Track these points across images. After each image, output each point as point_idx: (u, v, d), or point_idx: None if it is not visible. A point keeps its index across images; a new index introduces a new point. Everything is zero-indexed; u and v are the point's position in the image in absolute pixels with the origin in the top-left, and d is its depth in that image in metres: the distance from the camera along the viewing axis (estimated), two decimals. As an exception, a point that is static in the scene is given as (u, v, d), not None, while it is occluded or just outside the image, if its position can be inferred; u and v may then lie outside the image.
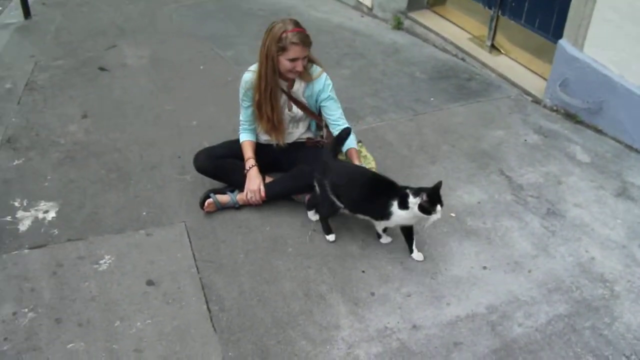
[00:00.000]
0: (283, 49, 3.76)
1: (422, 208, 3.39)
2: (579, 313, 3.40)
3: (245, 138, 4.17)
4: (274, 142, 4.14)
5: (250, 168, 4.05)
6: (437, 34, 6.52)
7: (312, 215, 3.99)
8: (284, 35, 3.73)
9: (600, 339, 3.25)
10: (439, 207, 3.42)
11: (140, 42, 6.75)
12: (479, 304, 3.41)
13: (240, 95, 4.09)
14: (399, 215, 3.52)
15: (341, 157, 4.00)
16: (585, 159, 4.69)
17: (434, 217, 3.43)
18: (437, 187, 3.43)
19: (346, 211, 3.71)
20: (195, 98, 5.50)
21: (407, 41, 6.62)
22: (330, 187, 3.65)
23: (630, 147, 4.82)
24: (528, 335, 3.25)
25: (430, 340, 3.20)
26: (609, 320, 3.36)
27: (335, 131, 3.97)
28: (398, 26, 6.86)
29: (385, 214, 3.55)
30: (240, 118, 4.17)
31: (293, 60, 3.78)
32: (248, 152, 4.12)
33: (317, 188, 3.76)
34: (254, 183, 4.02)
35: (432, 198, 3.40)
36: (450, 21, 6.70)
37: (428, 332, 3.24)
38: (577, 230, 3.98)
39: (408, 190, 3.48)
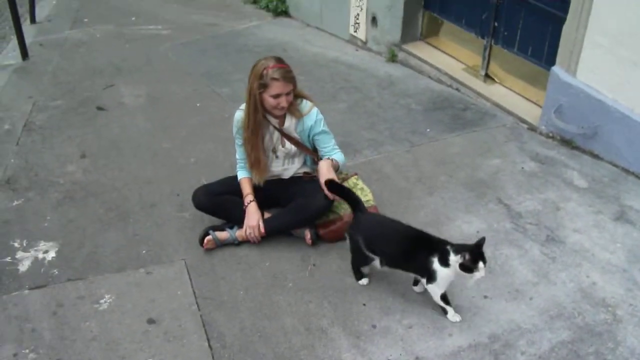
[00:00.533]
0: (265, 86, 3.78)
1: (463, 267, 3.25)
2: (582, 339, 3.39)
3: (243, 175, 4.18)
4: (255, 181, 4.15)
5: (248, 204, 4.06)
6: (431, 65, 6.55)
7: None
8: (265, 72, 3.76)
9: (604, 364, 3.25)
10: (481, 264, 3.24)
11: (137, 80, 6.79)
12: (481, 333, 3.41)
13: (234, 134, 4.13)
14: (444, 273, 3.33)
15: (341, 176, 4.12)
16: (582, 184, 4.70)
17: (477, 275, 3.26)
18: (480, 243, 3.28)
19: (385, 267, 3.61)
20: (193, 135, 5.52)
21: (401, 73, 6.65)
22: (363, 241, 3.57)
23: (627, 171, 4.83)
24: (531, 364, 3.25)
25: (434, 372, 3.20)
26: (613, 345, 3.36)
27: (327, 154, 4.04)
28: (392, 59, 6.89)
29: (428, 272, 3.38)
30: (237, 156, 4.19)
31: (276, 96, 3.79)
32: (246, 189, 4.13)
33: (348, 241, 3.71)
34: (253, 219, 4.03)
35: (474, 256, 3.25)
36: (444, 52, 6.73)
37: (432, 365, 3.24)
38: (577, 256, 3.98)
39: (449, 247, 3.33)
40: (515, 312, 3.55)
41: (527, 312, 3.55)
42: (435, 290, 3.39)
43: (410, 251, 3.46)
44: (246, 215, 4.06)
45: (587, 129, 5.01)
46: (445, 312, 3.47)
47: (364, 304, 3.59)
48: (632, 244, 4.08)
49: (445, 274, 3.29)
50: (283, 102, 3.82)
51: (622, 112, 4.72)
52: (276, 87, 3.77)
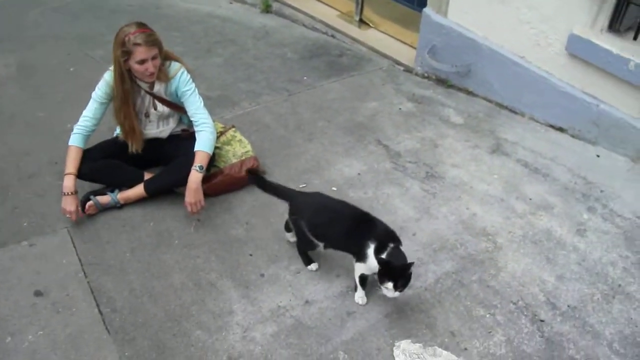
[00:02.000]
0: (128, 53, 3.68)
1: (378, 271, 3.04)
2: (465, 268, 3.53)
3: (75, 143, 3.98)
4: (131, 148, 4.04)
5: (68, 193, 3.89)
6: (305, 13, 6.57)
7: (291, 237, 3.70)
8: (126, 38, 3.65)
9: (487, 290, 3.39)
10: (389, 284, 2.98)
11: (5, 49, 6.52)
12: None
13: (98, 91, 3.95)
14: (373, 263, 3.09)
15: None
16: (459, 120, 4.84)
17: (384, 290, 3.04)
18: (403, 266, 2.99)
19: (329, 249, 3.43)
20: (68, 101, 5.37)
21: (276, 23, 6.64)
22: (306, 226, 3.35)
23: (500, 105, 5.00)
24: (418, 296, 3.36)
25: (323, 313, 3.26)
26: (495, 271, 3.51)
27: (195, 125, 3.94)
28: (267, 9, 6.86)
29: (361, 253, 3.18)
30: (84, 113, 4.00)
31: (141, 62, 3.70)
32: (71, 164, 3.94)
33: (292, 226, 3.52)
34: (71, 205, 3.88)
35: (385, 272, 3.00)
36: (318, 0, 6.74)
37: (321, 306, 3.29)
38: (456, 190, 4.11)
39: (389, 245, 3.10)
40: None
41: (411, 247, 3.63)
42: (359, 269, 3.26)
43: (352, 234, 3.24)
44: (64, 200, 3.90)
45: (460, 67, 5.14)
46: (355, 289, 3.38)
47: (251, 254, 3.61)
48: (508, 174, 4.23)
49: (375, 265, 3.05)
50: (150, 67, 3.72)
51: (493, 49, 4.86)
52: (140, 53, 3.67)
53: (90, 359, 3.08)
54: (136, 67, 3.71)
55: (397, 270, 2.97)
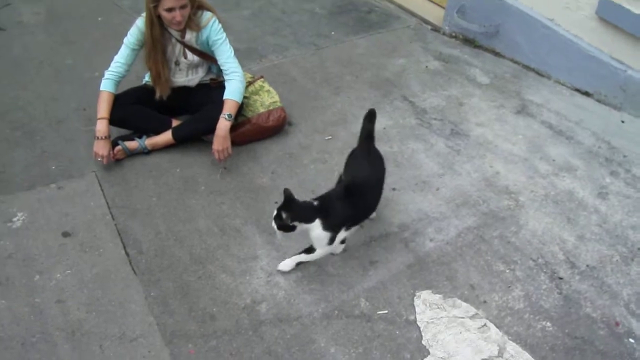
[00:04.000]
0: (157, 1, 3.70)
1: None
2: (486, 224, 3.55)
3: (106, 88, 4.03)
4: (158, 95, 4.08)
5: (100, 138, 3.96)
6: (334, -31, 6.54)
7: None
8: None
9: (508, 246, 3.41)
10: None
11: (35, -3, 6.58)
12: (391, 223, 3.53)
13: (129, 37, 3.98)
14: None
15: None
16: (485, 80, 4.83)
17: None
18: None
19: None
20: (96, 50, 5.41)
21: (304, -21, 6.62)
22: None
23: (527, 67, 4.98)
24: (440, 249, 3.39)
25: (346, 261, 3.30)
26: (516, 228, 3.53)
27: (224, 74, 3.97)
28: (295, -36, 6.84)
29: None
30: (116, 58, 4.05)
31: (169, 10, 3.71)
32: (103, 108, 4.00)
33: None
34: (104, 149, 3.96)
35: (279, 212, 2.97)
36: (347, -44, 6.72)
37: (344, 255, 3.33)
38: (480, 148, 4.12)
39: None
40: (423, 202, 3.68)
41: (434, 201, 3.68)
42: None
43: None
44: (96, 144, 3.97)
45: (488, 27, 5.12)
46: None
47: (276, 202, 3.61)
48: (532, 135, 4.24)
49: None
50: (177, 16, 3.74)
51: (522, 10, 4.84)
52: (168, 1, 3.68)
53: (116, 297, 3.14)
54: (164, 14, 3.73)
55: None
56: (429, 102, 4.57)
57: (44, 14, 6.21)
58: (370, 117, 3.41)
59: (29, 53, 5.53)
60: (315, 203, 3.02)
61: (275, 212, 2.98)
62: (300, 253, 3.21)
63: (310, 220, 2.97)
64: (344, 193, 3.09)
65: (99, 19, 6.02)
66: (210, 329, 2.99)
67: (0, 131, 4.47)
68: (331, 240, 3.06)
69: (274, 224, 2.99)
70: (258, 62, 5.02)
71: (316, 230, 2.99)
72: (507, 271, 3.27)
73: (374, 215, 3.47)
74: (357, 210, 3.15)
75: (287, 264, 3.26)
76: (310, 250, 3.16)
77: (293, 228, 2.96)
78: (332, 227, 3.01)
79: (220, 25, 3.93)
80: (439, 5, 5.82)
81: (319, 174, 3.88)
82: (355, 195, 3.09)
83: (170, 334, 2.97)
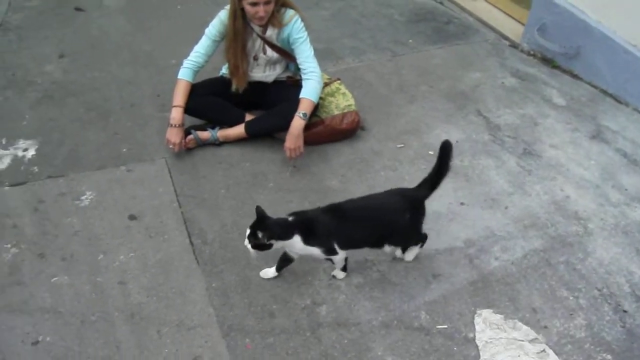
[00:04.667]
0: None
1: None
2: (553, 248, 3.48)
3: (184, 76, 4.08)
4: (234, 87, 4.10)
5: (175, 125, 4.01)
6: (415, -23, 6.51)
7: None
8: None
9: (573, 273, 3.33)
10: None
11: (117, -18, 6.67)
12: (457, 238, 3.48)
13: (211, 28, 4.01)
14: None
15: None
16: (561, 102, 4.75)
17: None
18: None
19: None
20: (173, 38, 5.47)
21: (385, -17, 6.60)
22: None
23: (605, 92, 4.89)
24: (504, 268, 3.33)
25: (409, 271, 3.27)
26: (582, 255, 3.45)
27: (302, 73, 3.97)
28: (377, -32, 6.83)
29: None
30: (195, 48, 4.08)
31: (253, 4, 3.73)
32: (179, 96, 4.04)
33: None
34: (176, 137, 4.00)
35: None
36: (429, -35, 6.69)
37: (407, 264, 3.30)
38: (552, 170, 4.05)
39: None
40: (491, 220, 3.63)
41: (502, 220, 3.62)
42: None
43: None
44: (169, 131, 4.01)
45: (569, 48, 5.04)
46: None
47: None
48: (606, 161, 4.15)
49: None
50: (261, 11, 3.76)
51: (605, 34, 4.75)
52: None
53: (178, 285, 3.16)
54: (248, 7, 3.75)
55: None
56: (504, 118, 4.51)
57: (124, -2, 6.31)
58: (445, 151, 3.13)
59: (107, 36, 5.62)
60: (290, 219, 2.98)
61: (248, 231, 2.93)
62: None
63: (287, 237, 2.93)
64: (327, 210, 3.04)
65: (178, 7, 6.10)
66: (269, 326, 2.99)
67: (75, 110, 4.55)
68: (328, 252, 3.01)
69: (247, 244, 2.94)
70: (334, 63, 5.01)
71: (297, 245, 2.95)
72: (571, 298, 3.20)
73: (399, 253, 3.33)
74: (345, 231, 3.01)
75: (268, 272, 3.25)
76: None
77: (269, 246, 2.92)
78: (316, 242, 2.97)
79: (302, 24, 3.93)
80: (518, 21, 5.75)
81: (389, 181, 3.84)
82: (341, 216, 3.02)
83: (228, 327, 2.97)
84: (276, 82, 4.21)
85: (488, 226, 3.58)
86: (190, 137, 4.07)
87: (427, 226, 3.31)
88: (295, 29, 3.91)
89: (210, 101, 4.13)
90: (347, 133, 4.16)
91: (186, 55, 4.06)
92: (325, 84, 4.17)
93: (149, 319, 3.01)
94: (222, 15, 3.95)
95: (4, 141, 4.27)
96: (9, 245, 3.44)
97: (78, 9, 6.17)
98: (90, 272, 3.25)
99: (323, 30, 5.43)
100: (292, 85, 4.14)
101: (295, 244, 2.94)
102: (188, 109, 4.06)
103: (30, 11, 6.09)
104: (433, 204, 3.57)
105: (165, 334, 2.94)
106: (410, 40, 5.49)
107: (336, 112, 4.12)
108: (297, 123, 3.82)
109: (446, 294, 3.17)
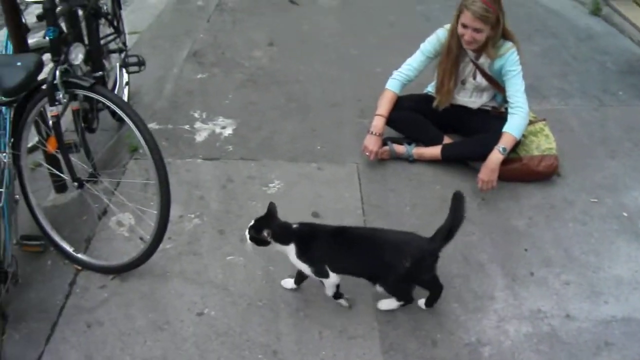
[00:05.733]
0: (460, 11, 3.75)
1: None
2: None
3: (392, 87, 4.13)
4: (436, 103, 4.12)
5: (375, 133, 4.05)
6: (635, 26, 6.25)
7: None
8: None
9: None
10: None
11: (334, -18, 6.82)
12: (637, 309, 3.31)
13: (427, 45, 4.06)
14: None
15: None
16: None
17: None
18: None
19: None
20: (382, 46, 5.53)
21: (602, 29, 6.40)
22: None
23: None
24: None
25: (581, 333, 3.13)
26: None
27: (509, 106, 3.91)
28: (595, 12, 6.63)
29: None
30: (408, 61, 4.13)
31: (464, 26, 3.74)
32: (383, 106, 4.10)
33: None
34: (375, 145, 4.04)
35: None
36: (652, 16, 6.43)
37: (581, 325, 3.16)
38: None
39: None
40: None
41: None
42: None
43: None
44: (368, 138, 4.06)
45: None
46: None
47: (526, 250, 3.52)
48: None
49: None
50: (467, 35, 3.75)
51: None
52: (465, 17, 3.71)
53: (347, 292, 3.15)
54: (459, 27, 3.78)
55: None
56: None
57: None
58: (458, 202, 3.01)
59: (317, 33, 5.76)
60: (295, 226, 2.97)
61: (252, 223, 2.94)
62: None
63: (285, 242, 2.93)
64: (332, 231, 3.00)
65: (391, 17, 6.14)
66: (429, 353, 2.94)
67: (276, 98, 4.69)
68: (317, 273, 2.97)
69: (247, 234, 2.93)
70: (539, 102, 4.89)
71: (291, 255, 2.94)
72: None
73: (379, 288, 3.08)
74: (339, 257, 2.97)
75: (288, 283, 3.24)
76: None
77: (267, 244, 2.91)
78: (307, 259, 2.94)
79: (517, 57, 3.88)
80: None
81: (576, 235, 3.69)
82: (341, 241, 2.98)
83: (389, 345, 2.96)
84: (480, 110, 4.18)
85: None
86: (386, 148, 4.10)
87: (607, 289, 3.20)
88: (510, 61, 3.87)
89: (412, 117, 4.15)
90: (543, 176, 4.04)
91: (392, 65, 4.11)
92: (530, 122, 4.07)
93: (313, 318, 3.05)
94: (440, 34, 3.99)
95: (204, 115, 4.47)
96: (192, 216, 3.61)
97: (292, 2, 6.36)
98: (265, 259, 3.33)
99: (531, 66, 5.30)
100: (496, 116, 4.10)
101: (290, 254, 2.95)
102: (390, 120, 4.10)
103: (246, -4, 6.34)
104: (617, 267, 3.45)
105: (326, 337, 2.97)
106: (621, 92, 5.27)
107: (536, 153, 4.01)
108: (495, 157, 3.77)
109: (616, 365, 3.04)
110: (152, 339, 2.94)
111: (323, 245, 2.96)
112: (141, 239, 3.42)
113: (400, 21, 6.09)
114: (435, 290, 3.12)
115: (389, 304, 3.12)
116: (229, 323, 3.01)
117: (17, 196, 3.23)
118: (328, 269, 2.95)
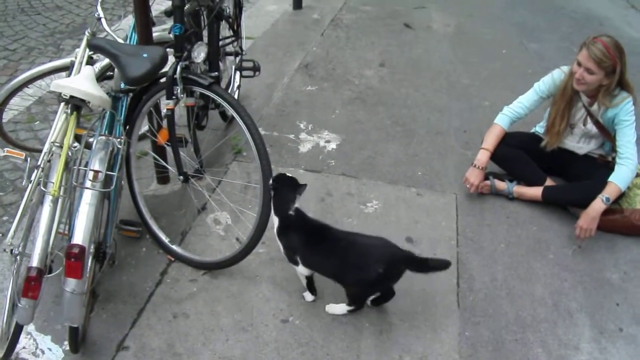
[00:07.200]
0: (580, 48, 3.76)
1: None
2: None
3: (501, 123, 4.16)
4: (543, 144, 4.12)
5: (479, 166, 4.08)
6: None
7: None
8: (588, 38, 3.74)
9: None
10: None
11: (448, 10, 6.86)
12: None
13: (541, 84, 4.09)
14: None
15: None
16: None
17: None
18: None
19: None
20: (492, 79, 5.53)
21: None
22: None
23: None
24: None
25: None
26: None
27: (618, 157, 3.85)
28: None
29: None
30: (520, 99, 4.17)
31: (578, 64, 3.76)
32: (490, 140, 4.13)
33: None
34: (477, 178, 4.06)
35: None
36: None
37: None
38: None
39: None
40: None
41: None
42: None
43: None
44: (470, 170, 4.09)
45: None
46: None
47: (618, 304, 3.46)
48: None
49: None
50: (578, 73, 3.76)
51: None
52: (582, 55, 3.73)
53: (433, 320, 3.20)
54: (574, 64, 3.81)
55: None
56: None
57: (453, 27, 6.48)
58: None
59: (429, 59, 5.80)
60: (291, 208, 3.04)
61: (278, 174, 3.06)
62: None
63: (274, 211, 3.05)
64: (315, 226, 3.11)
65: (503, 51, 6.14)
66: (508, 394, 2.95)
67: (382, 120, 4.75)
68: (288, 257, 3.11)
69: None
70: None
71: (275, 228, 3.08)
72: None
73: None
74: (311, 251, 3.06)
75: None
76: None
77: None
78: (282, 240, 3.08)
79: (633, 108, 3.85)
80: None
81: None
82: (318, 237, 3.06)
83: (468, 378, 2.97)
84: (587, 157, 4.14)
85: None
86: (487, 182, 4.12)
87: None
88: (625, 110, 3.83)
89: (517, 154, 4.16)
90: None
91: (501, 99, 4.13)
92: (637, 175, 4.03)
93: (395, 342, 3.07)
94: (555, 75, 4.01)
95: (310, 127, 4.56)
96: (288, 224, 3.67)
97: (407, 26, 6.41)
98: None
99: (640, 118, 5.27)
100: (602, 164, 4.07)
101: (274, 224, 3.07)
102: (494, 155, 4.12)
103: (362, 14, 6.44)
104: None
105: (407, 362, 2.99)
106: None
107: (639, 207, 3.96)
108: (598, 205, 3.73)
109: None
110: (234, 339, 3.03)
111: (300, 237, 3.06)
112: (237, 239, 3.53)
113: (513, 56, 6.07)
114: (387, 295, 3.21)
115: (338, 308, 3.20)
116: (312, 334, 3.07)
117: (123, 182, 3.38)
118: (298, 259, 3.08)
